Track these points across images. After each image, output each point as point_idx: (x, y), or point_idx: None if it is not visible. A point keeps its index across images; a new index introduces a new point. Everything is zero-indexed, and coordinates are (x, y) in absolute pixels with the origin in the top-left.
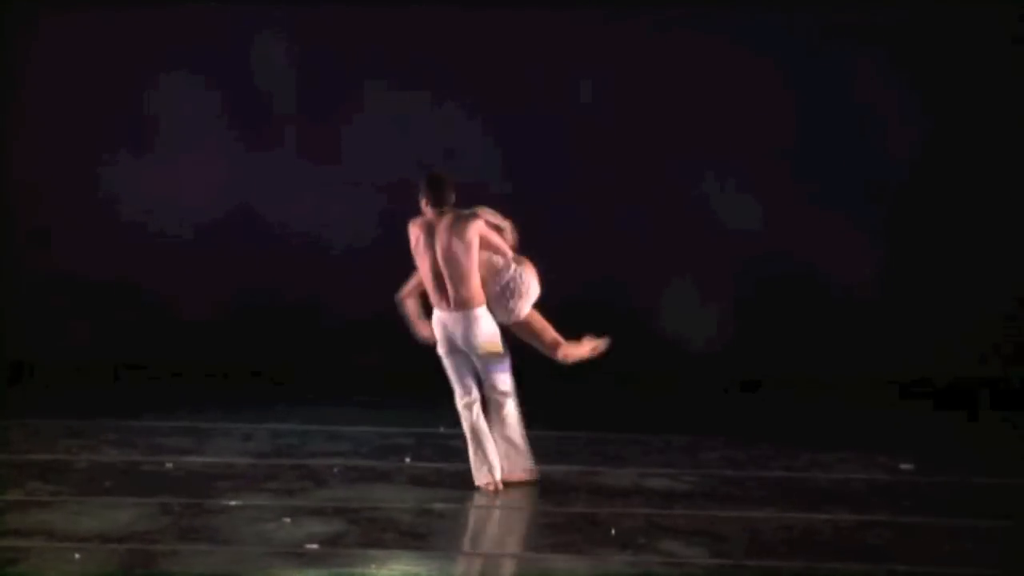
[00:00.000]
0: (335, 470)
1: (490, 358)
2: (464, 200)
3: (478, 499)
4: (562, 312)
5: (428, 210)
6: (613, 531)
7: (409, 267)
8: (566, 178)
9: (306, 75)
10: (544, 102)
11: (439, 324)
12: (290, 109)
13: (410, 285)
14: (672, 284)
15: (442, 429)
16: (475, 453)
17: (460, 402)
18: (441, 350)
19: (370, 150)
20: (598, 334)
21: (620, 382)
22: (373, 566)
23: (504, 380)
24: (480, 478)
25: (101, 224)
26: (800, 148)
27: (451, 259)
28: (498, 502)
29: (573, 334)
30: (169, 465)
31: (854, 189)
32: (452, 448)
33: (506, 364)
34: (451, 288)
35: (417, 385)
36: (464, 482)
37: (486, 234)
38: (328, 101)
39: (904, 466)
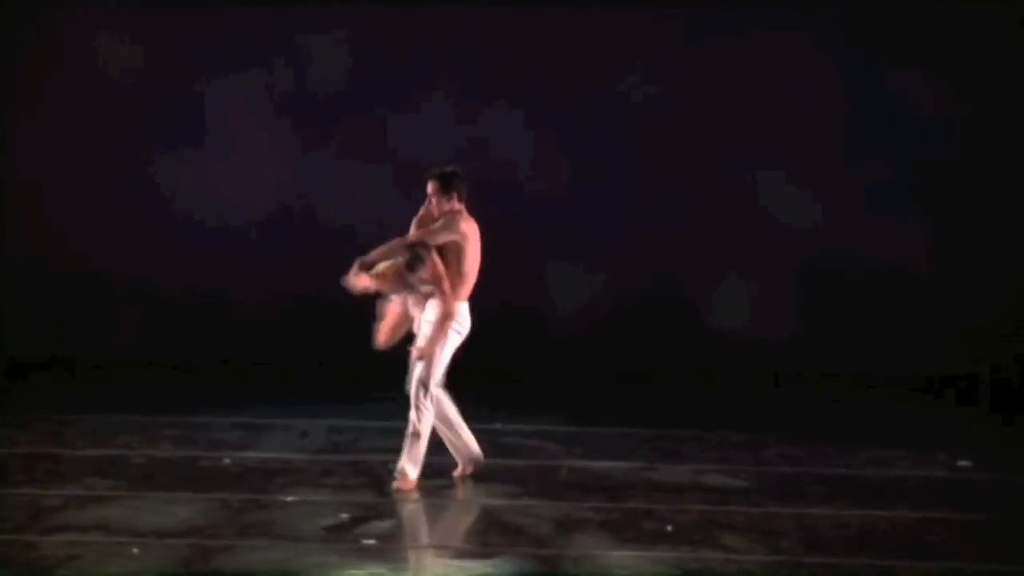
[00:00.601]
0: (391, 466)
1: None
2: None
3: (534, 496)
4: (616, 307)
5: (460, 205)
6: (670, 527)
7: None
8: (619, 175)
9: (360, 73)
10: (596, 99)
11: (468, 315)
12: (343, 107)
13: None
14: (727, 279)
15: (498, 426)
16: (458, 437)
17: (439, 389)
18: (461, 340)
19: (422, 148)
20: (653, 329)
21: (677, 378)
22: (429, 561)
23: None
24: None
25: (155, 221)
26: (852, 142)
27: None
28: (551, 499)
29: (626, 333)
30: (227, 461)
31: (905, 185)
32: (507, 445)
33: None
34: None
35: (472, 381)
36: (518, 479)
37: None
38: (380, 99)
39: (962, 463)
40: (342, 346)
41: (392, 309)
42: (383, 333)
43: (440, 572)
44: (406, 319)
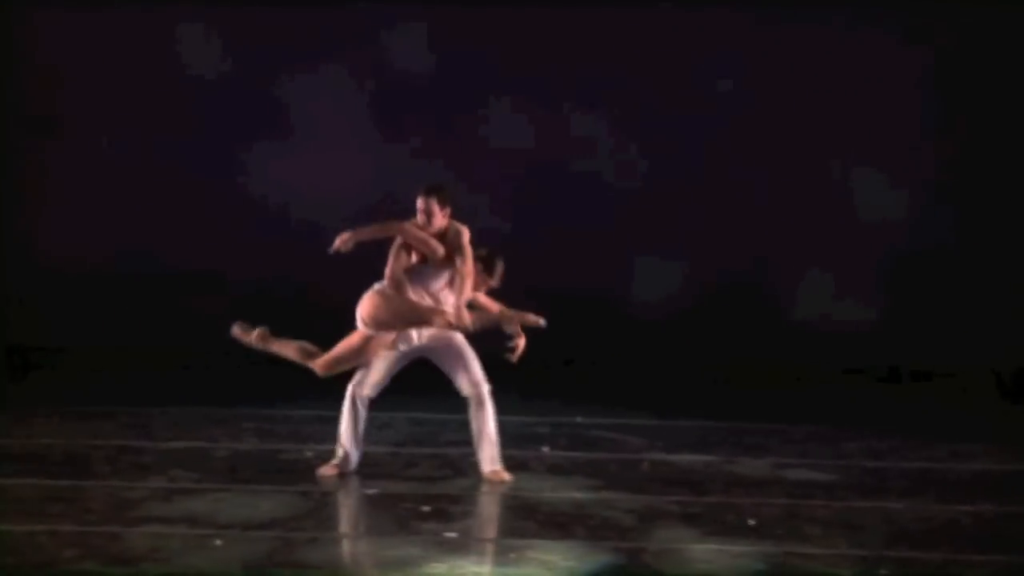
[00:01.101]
0: (473, 459)
1: None
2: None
3: (616, 489)
4: (698, 300)
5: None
6: (752, 521)
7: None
8: (700, 167)
9: (441, 69)
10: (677, 91)
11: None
12: (424, 103)
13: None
14: (810, 271)
15: (579, 419)
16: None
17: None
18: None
19: (503, 144)
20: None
21: (759, 371)
22: (512, 554)
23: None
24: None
25: (236, 216)
26: (939, 137)
27: None
28: (633, 492)
29: (708, 326)
30: (309, 453)
31: (987, 178)
32: (588, 437)
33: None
34: None
35: (556, 375)
36: (600, 472)
37: None
38: (465, 97)
39: None
40: None
41: (353, 341)
42: (329, 360)
43: (522, 565)
44: (358, 355)
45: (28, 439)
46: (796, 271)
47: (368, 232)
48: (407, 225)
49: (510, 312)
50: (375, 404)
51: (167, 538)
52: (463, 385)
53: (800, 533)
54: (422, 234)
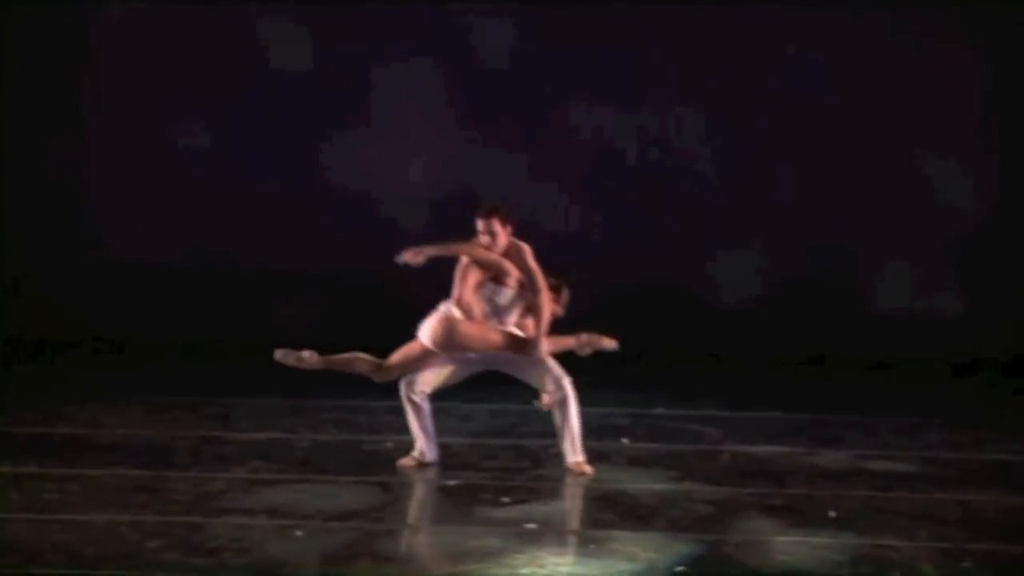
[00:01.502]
0: (552, 450)
1: None
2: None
3: (695, 481)
4: (779, 291)
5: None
6: (833, 512)
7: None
8: (782, 162)
9: (527, 65)
10: (759, 83)
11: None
12: (509, 97)
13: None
14: (892, 262)
15: (659, 410)
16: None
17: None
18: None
19: (584, 139)
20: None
21: (840, 361)
22: (592, 546)
23: None
24: None
25: (320, 209)
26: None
27: None
28: (713, 484)
29: (789, 317)
30: (388, 444)
31: None
32: (668, 429)
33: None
34: None
35: (635, 367)
36: (680, 463)
37: None
38: (546, 91)
39: None
40: None
41: (415, 349)
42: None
43: (602, 557)
44: (418, 363)
45: (112, 430)
46: (877, 261)
47: (435, 249)
48: (474, 246)
49: (585, 338)
50: (441, 396)
51: (248, 529)
52: (547, 387)
53: (881, 525)
54: (491, 254)
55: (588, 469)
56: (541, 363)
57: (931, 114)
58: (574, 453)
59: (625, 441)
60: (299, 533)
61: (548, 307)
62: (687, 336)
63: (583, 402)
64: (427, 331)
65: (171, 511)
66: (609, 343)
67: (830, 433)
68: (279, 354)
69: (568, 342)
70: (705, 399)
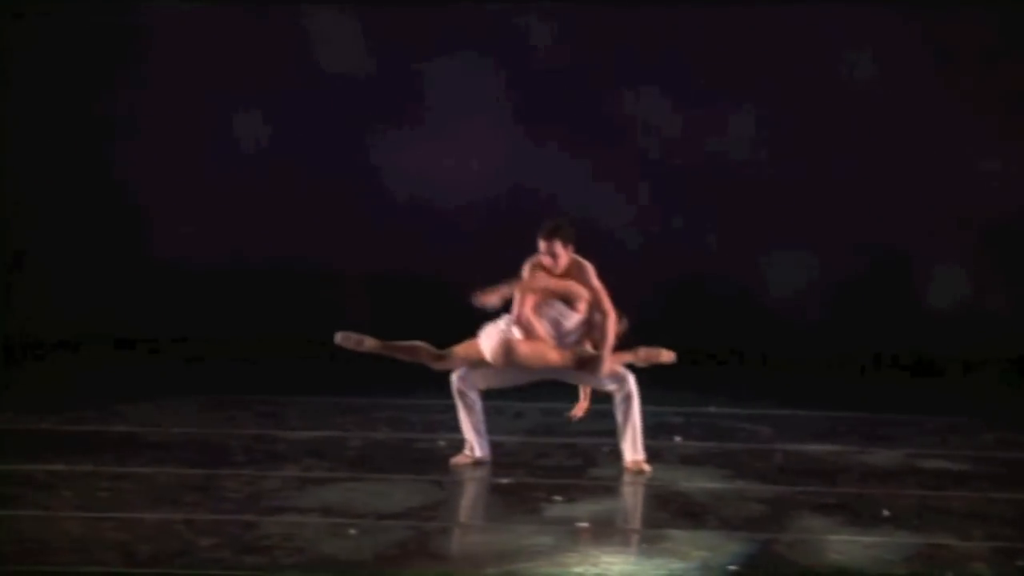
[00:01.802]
0: (605, 449)
1: None
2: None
3: (748, 479)
4: (831, 290)
5: None
6: (886, 512)
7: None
8: (836, 162)
9: (581, 63)
10: (810, 83)
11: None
12: (563, 95)
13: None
14: (946, 263)
15: (712, 409)
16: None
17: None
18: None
19: (638, 138)
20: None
21: (892, 361)
22: (645, 544)
23: None
24: None
25: (372, 206)
26: None
27: None
28: (765, 483)
29: (841, 316)
30: (442, 443)
31: None
32: (721, 428)
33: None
34: None
35: (688, 365)
36: (733, 462)
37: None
38: (599, 89)
39: None
40: None
41: (473, 350)
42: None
43: (655, 555)
44: (476, 363)
45: (165, 428)
46: (930, 261)
47: (508, 289)
48: (538, 277)
49: (643, 352)
50: (493, 394)
51: (301, 527)
52: (610, 389)
53: (935, 524)
54: (561, 284)
55: (647, 468)
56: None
57: (983, 112)
58: (634, 452)
59: (678, 439)
60: (352, 532)
61: (614, 327)
62: (739, 334)
63: None
64: (487, 346)
65: (224, 509)
66: (667, 356)
67: (882, 432)
68: (339, 337)
69: (627, 357)
70: (758, 398)
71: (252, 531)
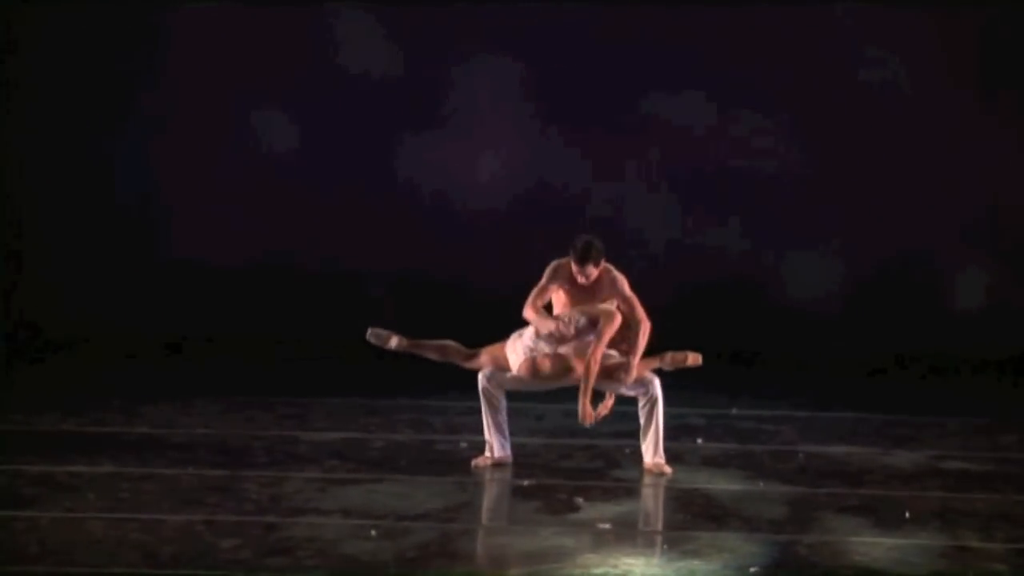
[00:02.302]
0: (627, 451)
1: None
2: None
3: (770, 481)
4: (854, 291)
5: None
6: (908, 513)
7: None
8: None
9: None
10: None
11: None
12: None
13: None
14: (968, 264)
15: (734, 411)
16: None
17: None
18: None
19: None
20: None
21: (914, 363)
22: (667, 546)
23: None
24: None
25: (395, 207)
26: None
27: None
28: (788, 484)
29: (864, 317)
30: (463, 444)
31: None
32: (743, 430)
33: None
34: None
35: (710, 366)
36: (755, 464)
37: None
38: (620, 91)
39: None
40: None
41: (500, 354)
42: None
43: (676, 557)
44: (503, 366)
45: (187, 429)
46: (952, 261)
47: (594, 380)
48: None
49: (669, 357)
50: (515, 396)
51: (322, 528)
52: (636, 394)
53: (956, 526)
54: (615, 330)
55: (668, 469)
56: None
57: (1005, 112)
58: (655, 454)
59: (700, 441)
60: (373, 533)
61: (646, 336)
62: (760, 336)
63: None
64: (513, 361)
65: (246, 511)
66: (694, 359)
67: (905, 433)
68: (370, 333)
69: (654, 363)
70: (779, 399)
71: (274, 532)
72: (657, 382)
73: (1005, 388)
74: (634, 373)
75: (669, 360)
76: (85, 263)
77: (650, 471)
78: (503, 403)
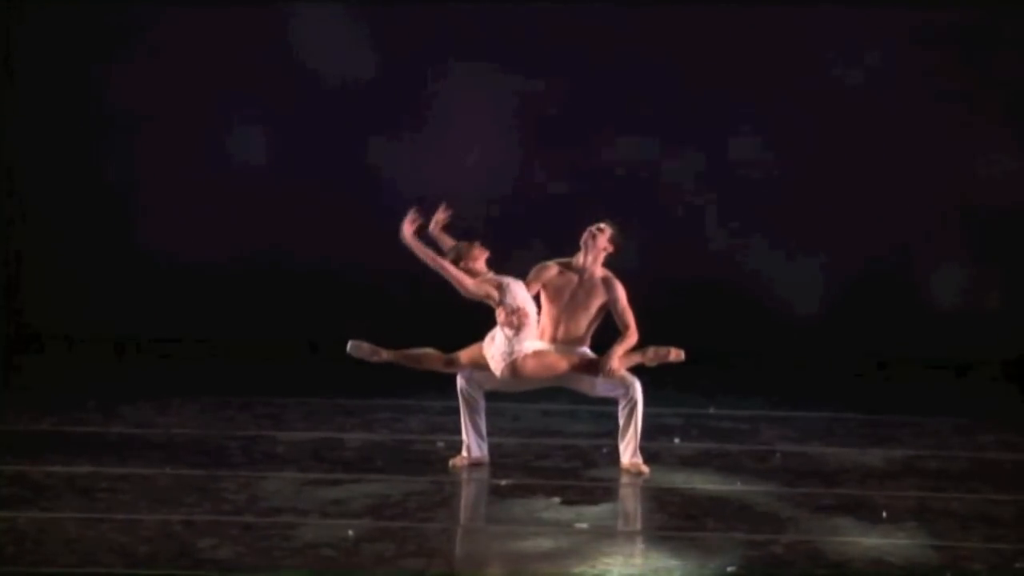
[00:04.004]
0: (604, 450)
1: None
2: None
3: (747, 481)
4: (833, 291)
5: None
6: (885, 513)
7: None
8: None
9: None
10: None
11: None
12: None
13: None
14: (947, 264)
15: (712, 410)
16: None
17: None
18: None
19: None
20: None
21: (892, 363)
22: (644, 546)
23: None
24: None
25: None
26: None
27: None
28: (765, 484)
29: (842, 317)
30: (440, 444)
31: None
32: (721, 429)
33: None
34: None
35: (688, 365)
36: (732, 463)
37: None
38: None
39: None
40: None
41: (479, 354)
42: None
43: (653, 557)
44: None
45: (165, 429)
46: (929, 261)
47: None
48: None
49: (651, 352)
50: (492, 396)
51: (300, 528)
52: (616, 395)
53: (934, 526)
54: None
55: (645, 469)
56: (610, 376)
57: (984, 112)
58: (633, 454)
59: (677, 441)
60: (351, 533)
61: (631, 341)
62: (739, 337)
63: None
64: (492, 363)
65: (223, 510)
66: (676, 355)
67: (882, 433)
68: (351, 346)
69: (635, 358)
70: (757, 399)
71: (251, 532)
72: (638, 385)
73: (982, 388)
74: (616, 363)
75: (652, 355)
76: (64, 263)
77: (627, 471)
78: (482, 404)
